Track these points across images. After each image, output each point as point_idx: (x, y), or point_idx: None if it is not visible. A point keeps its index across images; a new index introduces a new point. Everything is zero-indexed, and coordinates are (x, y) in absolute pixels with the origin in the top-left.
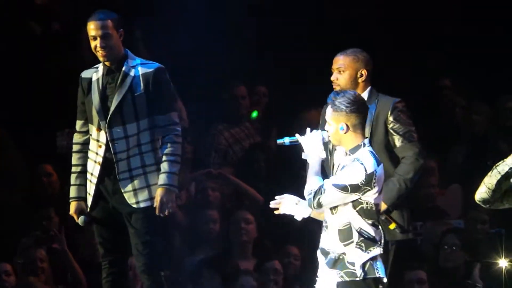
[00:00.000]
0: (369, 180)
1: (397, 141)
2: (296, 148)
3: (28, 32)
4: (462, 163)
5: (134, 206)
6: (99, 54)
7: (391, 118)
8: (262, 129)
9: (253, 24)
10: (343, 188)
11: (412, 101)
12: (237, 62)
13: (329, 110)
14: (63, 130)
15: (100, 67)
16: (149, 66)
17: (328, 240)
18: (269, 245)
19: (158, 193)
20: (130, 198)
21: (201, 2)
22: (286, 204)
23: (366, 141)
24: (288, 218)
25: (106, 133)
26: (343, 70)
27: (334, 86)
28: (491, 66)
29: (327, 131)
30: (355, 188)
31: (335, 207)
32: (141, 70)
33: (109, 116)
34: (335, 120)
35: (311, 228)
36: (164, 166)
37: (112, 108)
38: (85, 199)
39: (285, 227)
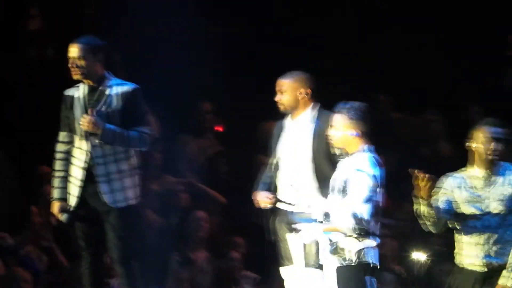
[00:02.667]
0: (375, 180)
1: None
2: (255, 154)
3: (25, 56)
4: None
5: (112, 205)
6: (72, 72)
7: None
8: (224, 140)
9: (218, 48)
10: (368, 198)
11: None
12: (203, 80)
13: (340, 117)
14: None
15: (81, 85)
16: (126, 85)
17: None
18: (225, 239)
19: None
20: (108, 199)
21: (171, 32)
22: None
23: (366, 147)
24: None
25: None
26: (284, 91)
27: (279, 106)
28: (417, 81)
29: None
30: (375, 191)
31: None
32: (118, 89)
33: None
34: (347, 127)
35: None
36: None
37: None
38: (66, 200)
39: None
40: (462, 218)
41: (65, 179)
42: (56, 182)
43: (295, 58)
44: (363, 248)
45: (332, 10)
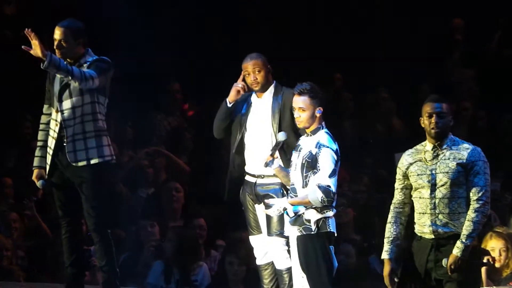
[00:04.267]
0: (338, 154)
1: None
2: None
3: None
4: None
5: (74, 164)
6: (56, 53)
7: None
8: (191, 117)
9: (191, 35)
10: (334, 172)
11: None
12: (172, 64)
13: (304, 99)
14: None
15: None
16: (99, 56)
17: None
18: (195, 208)
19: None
20: (70, 157)
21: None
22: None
23: (323, 124)
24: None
25: (57, 106)
26: (259, 70)
27: (254, 85)
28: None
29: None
30: (337, 164)
31: (307, 184)
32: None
33: (59, 90)
34: (313, 106)
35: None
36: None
37: (62, 84)
38: (45, 168)
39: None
40: (415, 189)
41: (45, 149)
42: (37, 151)
43: (252, 40)
44: (322, 218)
45: None
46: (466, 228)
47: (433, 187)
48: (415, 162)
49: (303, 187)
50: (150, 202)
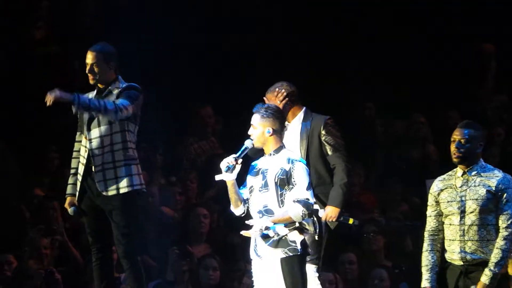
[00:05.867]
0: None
1: (329, 150)
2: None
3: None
4: (383, 169)
5: (104, 193)
6: (89, 78)
7: (323, 132)
8: (224, 143)
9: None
10: (310, 185)
11: (339, 118)
12: (205, 85)
13: (256, 117)
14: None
15: (96, 88)
16: (128, 83)
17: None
18: (223, 234)
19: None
20: (100, 187)
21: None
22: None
23: (283, 144)
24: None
25: (86, 134)
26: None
27: None
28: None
29: (251, 135)
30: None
31: (282, 201)
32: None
33: (88, 119)
34: (262, 125)
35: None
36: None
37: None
38: (76, 195)
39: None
40: (445, 216)
41: (77, 176)
42: (70, 179)
43: (288, 66)
44: (304, 239)
45: (320, 24)
46: (495, 255)
47: (463, 213)
48: (446, 188)
49: (280, 207)
50: (177, 228)
